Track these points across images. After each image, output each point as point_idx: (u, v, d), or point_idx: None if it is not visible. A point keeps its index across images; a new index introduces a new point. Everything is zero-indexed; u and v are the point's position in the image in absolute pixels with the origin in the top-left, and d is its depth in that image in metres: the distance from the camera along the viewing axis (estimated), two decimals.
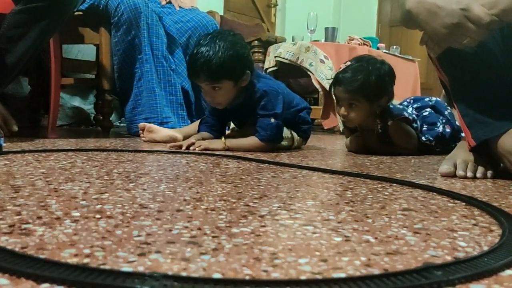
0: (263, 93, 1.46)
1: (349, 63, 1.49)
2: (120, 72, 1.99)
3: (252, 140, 1.46)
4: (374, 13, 5.38)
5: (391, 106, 1.52)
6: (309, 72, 2.77)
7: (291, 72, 2.96)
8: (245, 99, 1.48)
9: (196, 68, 1.39)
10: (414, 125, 1.53)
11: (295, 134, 1.62)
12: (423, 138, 1.54)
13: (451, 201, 0.71)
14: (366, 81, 1.42)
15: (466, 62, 0.97)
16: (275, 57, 2.91)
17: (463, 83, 1.00)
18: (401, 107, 1.59)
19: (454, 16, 0.83)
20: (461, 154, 1.03)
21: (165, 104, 1.94)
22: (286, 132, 1.57)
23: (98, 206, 0.58)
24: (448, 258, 0.42)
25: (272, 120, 1.46)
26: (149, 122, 1.84)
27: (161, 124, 1.86)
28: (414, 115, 1.56)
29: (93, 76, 2.47)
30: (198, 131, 1.60)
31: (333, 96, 1.53)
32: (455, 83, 1.02)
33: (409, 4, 0.90)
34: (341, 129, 2.64)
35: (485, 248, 0.45)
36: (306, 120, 1.66)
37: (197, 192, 0.70)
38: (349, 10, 5.38)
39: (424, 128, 1.56)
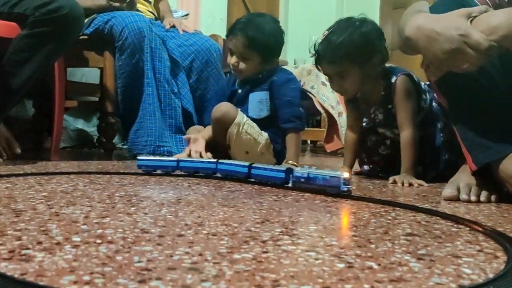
0: (291, 76, 1.58)
1: (326, 32, 1.36)
2: (124, 95, 2.00)
3: (298, 140, 1.53)
4: None
5: (392, 66, 1.42)
6: (311, 95, 2.79)
7: None
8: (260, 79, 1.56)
9: None
10: (424, 96, 1.39)
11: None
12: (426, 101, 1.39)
13: (455, 225, 0.70)
14: (348, 44, 1.29)
15: (464, 85, 0.97)
16: None
17: (462, 106, 1.00)
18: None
19: (453, 42, 0.83)
20: (464, 178, 1.02)
21: (164, 128, 1.95)
22: (264, 134, 1.54)
23: (99, 231, 0.57)
24: (453, 286, 0.41)
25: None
26: (147, 145, 1.85)
27: (158, 147, 1.86)
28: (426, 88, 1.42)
29: (97, 99, 2.49)
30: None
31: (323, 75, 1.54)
32: (454, 106, 1.02)
33: (408, 31, 0.91)
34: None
35: (491, 275, 0.45)
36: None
37: (199, 216, 0.70)
38: None
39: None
